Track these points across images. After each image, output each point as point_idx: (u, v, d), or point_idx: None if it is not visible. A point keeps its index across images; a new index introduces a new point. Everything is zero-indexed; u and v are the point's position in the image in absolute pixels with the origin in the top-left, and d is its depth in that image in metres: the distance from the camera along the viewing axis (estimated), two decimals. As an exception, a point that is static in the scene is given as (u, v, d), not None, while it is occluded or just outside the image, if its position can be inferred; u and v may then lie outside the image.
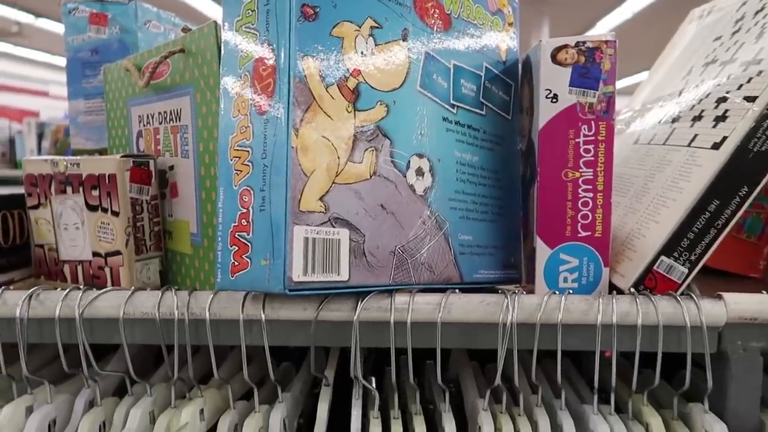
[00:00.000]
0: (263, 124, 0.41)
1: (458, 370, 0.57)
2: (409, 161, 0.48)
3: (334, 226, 0.42)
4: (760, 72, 0.51)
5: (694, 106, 0.59)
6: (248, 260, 0.41)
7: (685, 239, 0.49)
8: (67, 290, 0.48)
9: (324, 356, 0.56)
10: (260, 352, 0.63)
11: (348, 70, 0.44)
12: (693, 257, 0.49)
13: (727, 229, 0.48)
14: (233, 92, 0.44)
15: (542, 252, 0.53)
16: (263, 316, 0.45)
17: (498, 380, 0.46)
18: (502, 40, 0.58)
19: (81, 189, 0.59)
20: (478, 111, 0.55)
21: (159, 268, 0.61)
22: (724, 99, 0.53)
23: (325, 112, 0.42)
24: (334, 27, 0.43)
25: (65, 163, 0.60)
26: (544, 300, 0.45)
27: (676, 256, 0.49)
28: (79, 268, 0.61)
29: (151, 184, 0.59)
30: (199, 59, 0.53)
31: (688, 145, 0.54)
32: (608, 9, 6.14)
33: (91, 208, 0.58)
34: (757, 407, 0.45)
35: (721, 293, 0.45)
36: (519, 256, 0.60)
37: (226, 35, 0.45)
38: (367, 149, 0.45)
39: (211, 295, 0.46)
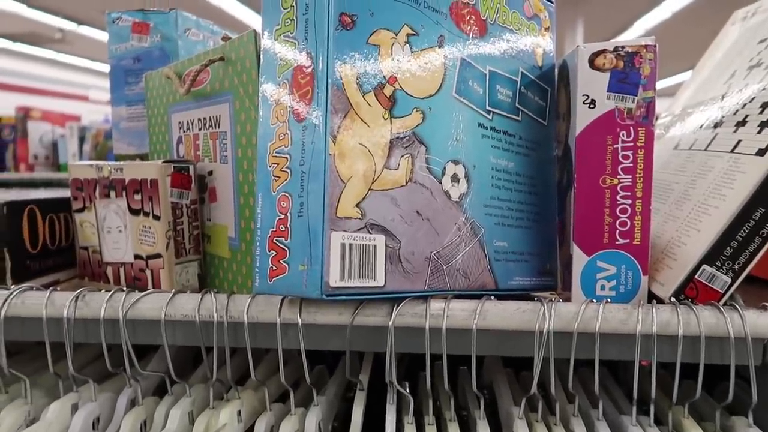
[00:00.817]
0: (301, 131, 0.42)
1: (492, 377, 0.57)
2: (444, 167, 0.48)
3: (370, 232, 0.42)
4: (808, 76, 0.49)
5: (738, 110, 0.57)
6: (286, 265, 0.42)
7: (728, 248, 0.48)
8: (111, 292, 0.49)
9: (358, 360, 0.56)
10: (295, 355, 0.64)
11: (385, 77, 0.44)
12: (736, 266, 0.48)
13: (773, 238, 0.47)
14: (272, 100, 0.45)
15: (579, 259, 0.52)
16: (300, 321, 0.45)
17: (534, 389, 0.45)
18: (539, 45, 0.58)
19: (124, 193, 0.61)
20: (513, 117, 0.55)
21: (198, 271, 0.62)
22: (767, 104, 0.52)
23: (362, 119, 0.42)
24: (371, 35, 0.43)
25: (109, 168, 0.62)
26: (582, 308, 0.45)
27: (719, 265, 0.48)
28: (122, 270, 0.62)
29: (191, 188, 0.60)
30: (239, 67, 0.54)
31: (732, 151, 0.53)
32: (646, 9, 6.02)
33: (134, 211, 0.60)
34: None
35: (766, 304, 0.44)
36: (555, 263, 0.59)
37: (265, 43, 0.46)
38: (403, 156, 0.45)
39: (249, 299, 0.47)
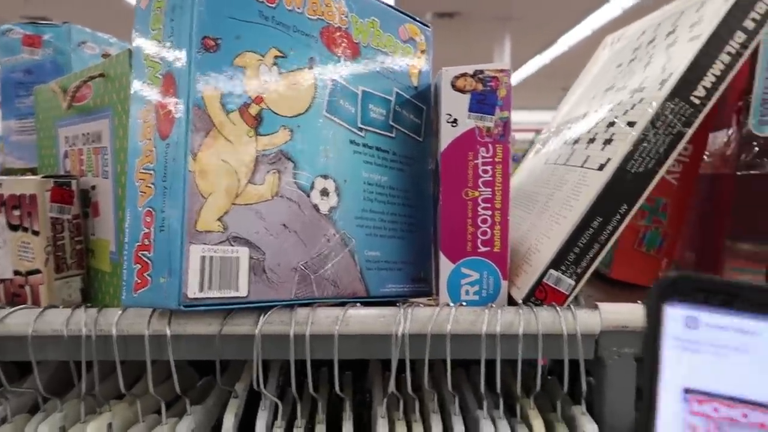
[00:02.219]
0: (165, 148, 0.44)
1: (373, 379, 0.60)
2: (313, 182, 0.51)
3: (232, 245, 0.44)
4: (642, 99, 0.55)
5: (590, 129, 0.63)
6: (149, 278, 0.44)
7: (571, 253, 0.53)
8: (-21, 308, 0.49)
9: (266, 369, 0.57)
10: (185, 365, 0.65)
11: (250, 97, 0.46)
12: (579, 270, 0.53)
13: (609, 244, 0.52)
14: (140, 117, 0.46)
15: (445, 266, 0.56)
16: (169, 332, 0.47)
17: (392, 387, 0.48)
18: (414, 67, 0.62)
19: (2, 209, 0.60)
20: (387, 134, 0.58)
21: (80, 286, 0.62)
22: (612, 123, 0.58)
23: (225, 137, 0.44)
24: (236, 57, 0.45)
25: (-14, 183, 0.61)
26: (436, 312, 0.48)
27: (564, 269, 0.53)
28: (1, 286, 0.61)
29: (72, 203, 0.61)
30: (117, 84, 0.55)
31: (581, 166, 0.59)
32: (569, 27, 6.32)
33: (13, 227, 0.60)
34: (631, 408, 0.49)
35: (598, 303, 0.49)
36: (430, 271, 0.63)
37: (135, 62, 0.47)
38: (269, 171, 0.47)
39: (120, 312, 0.48)
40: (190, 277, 0.42)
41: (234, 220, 0.45)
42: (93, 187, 0.61)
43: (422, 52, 0.63)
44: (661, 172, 0.52)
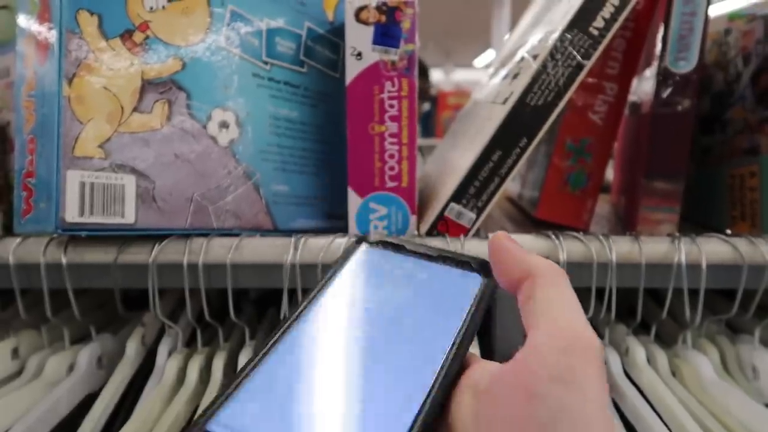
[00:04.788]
0: (43, 75, 0.44)
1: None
2: (210, 114, 0.51)
3: (116, 172, 0.45)
4: (548, 32, 0.54)
5: (507, 65, 0.62)
6: (33, 204, 0.44)
7: (472, 187, 0.53)
8: None
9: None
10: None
11: (133, 24, 0.46)
12: (480, 204, 0.53)
13: (510, 177, 0.52)
14: (24, 45, 0.46)
15: (354, 201, 0.56)
16: (65, 260, 0.47)
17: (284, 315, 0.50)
18: (329, 1, 0.61)
19: None
20: (297, 68, 0.58)
21: (1, 221, 0.63)
22: (522, 58, 0.57)
23: (105, 64, 0.44)
24: (116, -18, 0.45)
25: None
26: (329, 242, 0.49)
27: (465, 202, 0.53)
28: (-76, 221, 0.62)
29: (-12, 139, 0.61)
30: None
31: (492, 102, 0.58)
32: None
33: (-71, 162, 0.60)
34: (520, 336, 0.50)
35: (490, 233, 0.50)
36: (346, 207, 0.63)
37: (20, -11, 0.47)
38: (158, 101, 0.47)
39: (18, 240, 0.49)
40: (68, 202, 0.42)
41: (118, 147, 0.45)
42: (8, 123, 0.61)
43: (342, -14, 0.62)
44: (561, 104, 0.51)
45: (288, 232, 0.57)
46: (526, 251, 0.25)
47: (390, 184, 0.56)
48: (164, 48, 0.47)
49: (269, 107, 0.55)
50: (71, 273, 0.48)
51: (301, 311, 0.26)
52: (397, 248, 0.31)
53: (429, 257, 0.30)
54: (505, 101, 0.53)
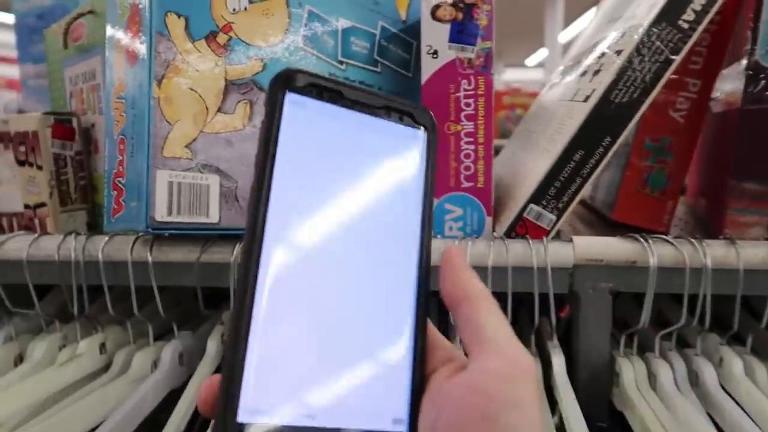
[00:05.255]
0: (133, 77, 0.45)
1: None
2: (289, 114, 0.51)
3: (202, 172, 0.45)
4: (632, 27, 0.52)
5: (583, 61, 0.60)
6: (123, 203, 0.45)
7: (552, 188, 0.51)
8: (-19, 234, 0.52)
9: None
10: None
11: (218, 25, 0.47)
12: (560, 205, 0.52)
13: (592, 178, 0.51)
14: (114, 48, 0.47)
15: (428, 202, 0.56)
16: (150, 258, 0.49)
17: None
18: (402, 1, 0.61)
19: (11, 145, 0.63)
20: (371, 68, 0.58)
21: (86, 220, 0.65)
22: (603, 54, 0.55)
23: (191, 65, 0.45)
24: (202, -15, 0.46)
25: (-4, 121, 0.64)
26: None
27: (545, 204, 0.52)
28: (14, 219, 0.65)
29: (74, 140, 0.63)
30: (104, 20, 0.57)
31: (571, 100, 0.56)
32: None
33: (20, 162, 0.63)
34: (607, 342, 0.48)
35: (573, 237, 0.48)
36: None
37: (110, -5, 0.48)
38: (240, 101, 0.48)
39: (106, 238, 0.50)
40: (158, 201, 0.43)
41: (203, 147, 0.46)
42: (93, 125, 0.64)
43: (413, -16, 0.62)
44: (648, 102, 0.49)
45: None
46: (469, 273, 0.26)
47: (466, 184, 0.55)
48: (246, 49, 0.48)
49: (344, 107, 0.55)
50: (156, 270, 0.49)
51: (261, 226, 0.23)
52: (333, 94, 0.26)
53: (370, 107, 0.26)
54: (586, 99, 0.52)
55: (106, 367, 0.52)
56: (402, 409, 0.24)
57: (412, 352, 0.25)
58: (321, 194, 0.25)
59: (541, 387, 0.49)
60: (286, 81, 0.25)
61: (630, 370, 0.47)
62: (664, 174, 0.67)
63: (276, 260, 0.23)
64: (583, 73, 0.58)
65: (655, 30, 0.48)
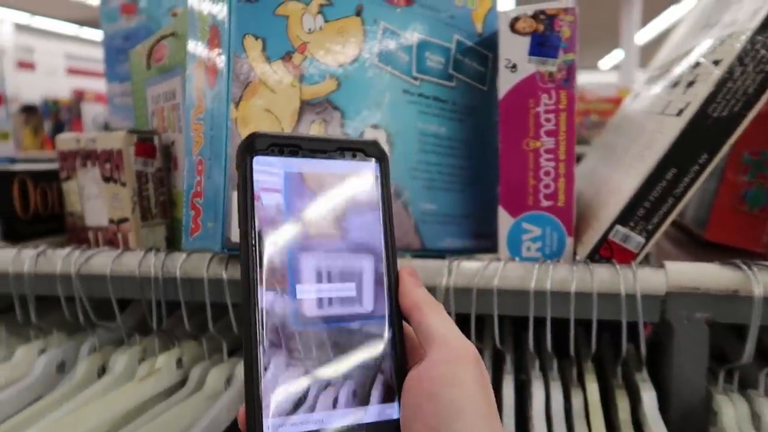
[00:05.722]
0: (212, 98, 0.45)
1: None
2: (362, 132, 0.50)
3: (276, 193, 0.45)
4: (731, 34, 0.48)
5: (678, 71, 0.56)
6: (201, 223, 0.46)
7: (641, 208, 0.48)
8: (69, 249, 0.55)
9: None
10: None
11: (293, 46, 0.46)
12: (650, 227, 0.48)
13: (686, 198, 0.47)
14: (194, 69, 0.48)
15: (505, 221, 0.54)
16: (225, 275, 0.49)
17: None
18: (478, 11, 0.59)
19: (97, 163, 0.66)
20: (446, 83, 0.56)
21: (165, 235, 0.67)
22: (698, 64, 0.51)
23: (267, 86, 0.45)
24: (278, 6, 0.46)
25: (86, 139, 0.67)
26: (484, 266, 0.46)
27: (632, 225, 0.48)
28: (100, 234, 0.68)
29: (155, 157, 0.65)
30: (184, 41, 0.58)
31: (661, 113, 0.53)
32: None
33: (106, 179, 0.65)
34: (703, 377, 0.44)
35: (666, 262, 0.45)
36: (495, 226, 0.60)
37: (190, 17, 0.49)
38: (314, 121, 0.47)
39: (184, 255, 0.51)
40: (233, 222, 0.43)
41: (278, 168, 0.45)
42: (173, 143, 0.65)
43: (489, -4, 0.60)
44: (750, 116, 0.45)
45: (436, 252, 0.55)
46: (414, 285, 0.31)
47: (545, 203, 0.53)
48: (321, 68, 0.48)
49: (418, 123, 0.54)
50: (231, 288, 0.50)
51: (252, 276, 0.27)
52: (292, 148, 0.30)
53: (326, 152, 0.31)
54: (680, 112, 0.48)
55: (182, 382, 0.53)
56: (393, 404, 0.29)
57: (392, 353, 0.30)
58: (300, 231, 0.29)
59: (627, 420, 0.45)
60: (250, 145, 0.29)
61: (730, 409, 0.43)
62: (763, 191, 0.62)
63: (270, 299, 0.28)
64: (675, 84, 0.54)
65: (760, 38, 0.44)
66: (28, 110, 2.95)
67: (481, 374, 0.28)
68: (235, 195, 0.44)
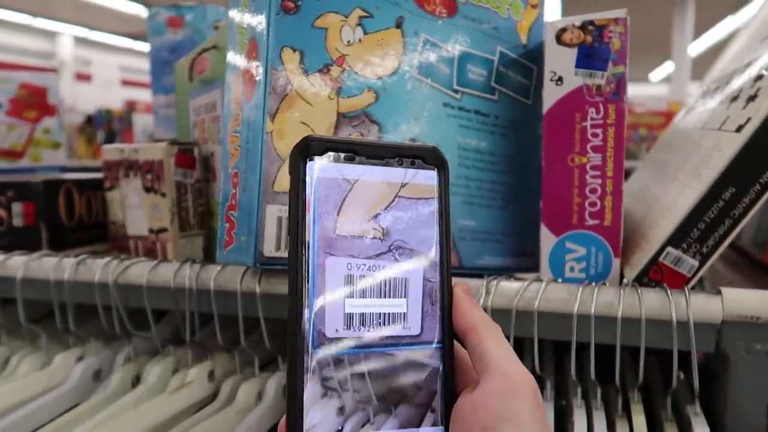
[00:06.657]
0: (248, 111, 0.45)
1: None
2: (400, 146, 0.49)
3: (310, 207, 0.44)
4: (798, 44, 0.45)
5: (737, 85, 0.53)
6: (235, 236, 0.45)
7: (695, 229, 0.45)
8: (109, 259, 0.55)
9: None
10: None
11: (332, 58, 0.46)
12: (705, 249, 0.45)
13: (746, 220, 0.44)
14: (232, 82, 0.48)
15: (547, 239, 0.51)
16: (258, 289, 0.49)
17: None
18: (523, 23, 0.57)
19: (139, 173, 0.67)
20: (488, 96, 0.54)
21: (203, 245, 0.67)
22: (760, 77, 0.48)
23: (304, 99, 0.44)
24: (317, 18, 0.45)
25: (128, 150, 0.68)
26: (524, 287, 0.44)
27: (685, 247, 0.45)
28: (140, 243, 0.69)
29: (195, 168, 0.66)
30: (224, 54, 0.58)
31: (719, 129, 0.50)
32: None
33: (147, 189, 0.66)
34: (762, 415, 0.41)
35: (723, 288, 0.41)
36: (537, 244, 0.58)
37: (230, 31, 0.49)
38: (351, 134, 0.46)
39: (218, 268, 0.51)
40: (266, 237, 0.43)
41: (313, 182, 0.45)
42: (212, 154, 0.66)
43: (533, 6, 0.58)
44: (819, 132, 0.42)
45: (474, 271, 0.53)
46: (471, 305, 0.29)
47: (590, 222, 0.50)
48: (359, 81, 0.47)
49: (458, 138, 0.53)
50: (263, 302, 0.49)
51: (300, 285, 0.26)
52: (349, 153, 0.28)
53: (383, 159, 0.29)
54: (739, 128, 0.45)
55: (214, 395, 0.52)
56: (439, 428, 0.28)
57: (443, 376, 0.28)
58: (352, 242, 0.28)
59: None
60: (304, 149, 0.27)
61: (793, 451, 0.40)
62: (831, 212, 0.57)
63: (320, 311, 0.26)
64: (734, 98, 0.51)
65: (830, 48, 0.41)
66: (88, 121, 3.07)
67: (537, 408, 0.26)
68: (269, 209, 0.43)
